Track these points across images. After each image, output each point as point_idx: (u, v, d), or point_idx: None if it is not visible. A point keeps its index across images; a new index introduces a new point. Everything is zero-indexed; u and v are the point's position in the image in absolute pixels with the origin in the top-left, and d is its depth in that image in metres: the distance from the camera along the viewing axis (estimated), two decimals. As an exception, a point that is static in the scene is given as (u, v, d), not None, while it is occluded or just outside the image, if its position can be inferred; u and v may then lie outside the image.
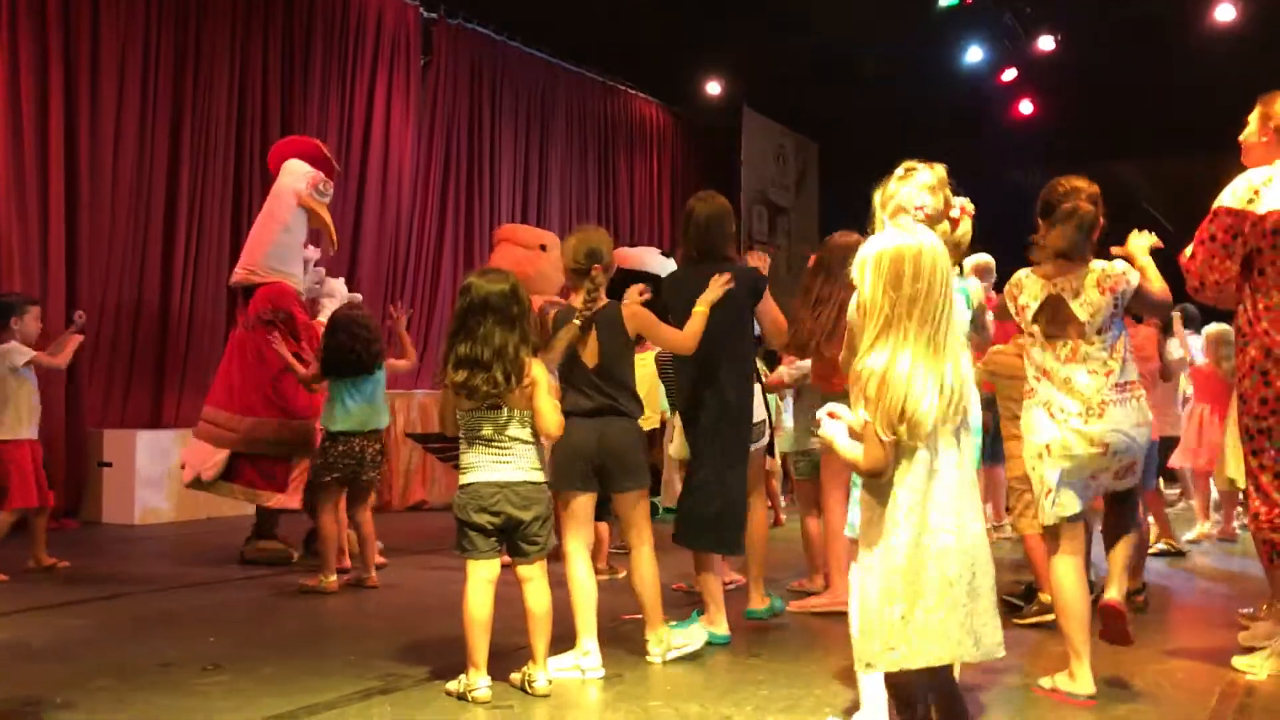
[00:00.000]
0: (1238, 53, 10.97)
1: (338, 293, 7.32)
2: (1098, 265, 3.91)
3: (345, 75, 10.56)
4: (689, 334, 4.39)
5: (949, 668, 2.73)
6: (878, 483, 2.64)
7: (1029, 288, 3.97)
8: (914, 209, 3.31)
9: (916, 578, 2.58)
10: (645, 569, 4.35)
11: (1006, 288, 4.05)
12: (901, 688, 2.72)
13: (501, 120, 12.35)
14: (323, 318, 6.58)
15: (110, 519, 8.27)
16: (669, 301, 4.76)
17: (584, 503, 4.29)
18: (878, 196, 3.41)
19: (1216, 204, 4.16)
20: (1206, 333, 7.88)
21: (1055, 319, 3.91)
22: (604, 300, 4.36)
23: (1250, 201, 4.07)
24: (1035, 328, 3.94)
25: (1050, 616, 4.79)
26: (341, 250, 10.54)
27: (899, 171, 3.42)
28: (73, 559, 6.42)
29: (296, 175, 6.94)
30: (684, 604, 5.18)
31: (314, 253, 7.28)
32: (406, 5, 11.22)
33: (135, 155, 8.79)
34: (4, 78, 7.96)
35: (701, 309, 4.38)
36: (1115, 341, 3.87)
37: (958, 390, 2.62)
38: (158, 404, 9.02)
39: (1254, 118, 4.29)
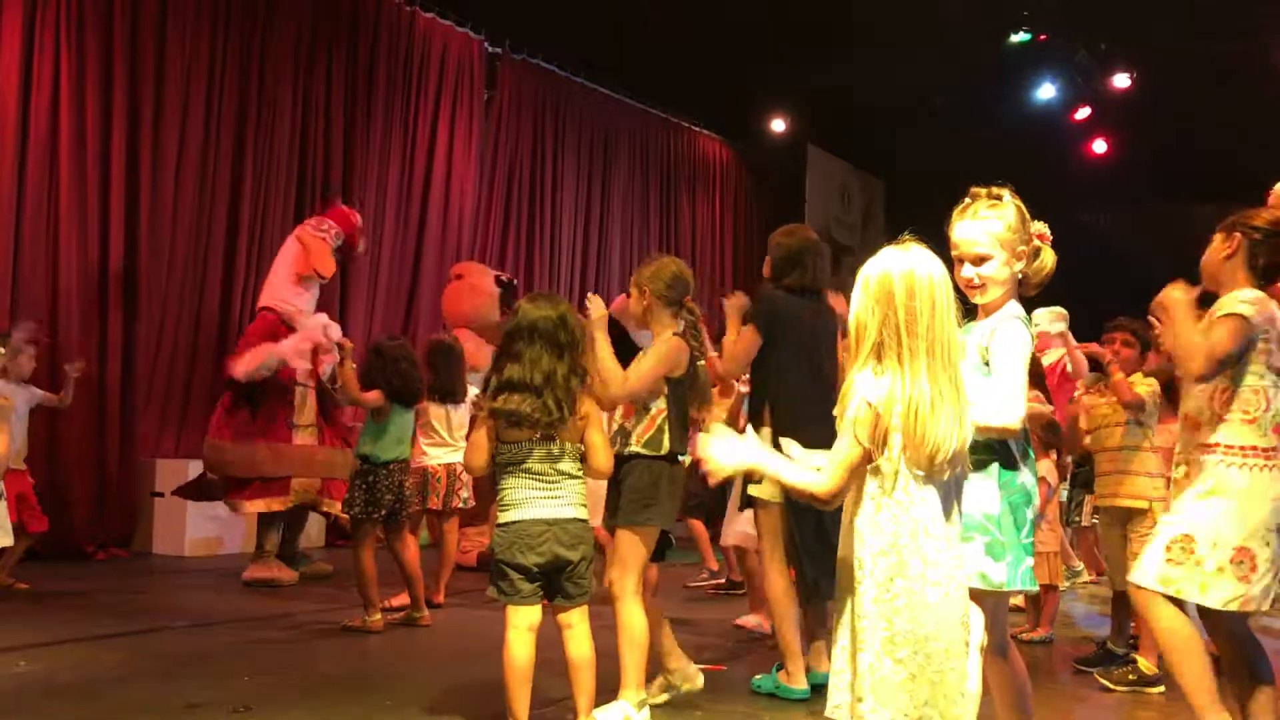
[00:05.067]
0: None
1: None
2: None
3: (409, 108, 10.54)
4: None
5: None
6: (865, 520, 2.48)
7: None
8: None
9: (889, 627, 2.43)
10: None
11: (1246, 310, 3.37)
12: None
13: (564, 155, 12.28)
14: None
15: (161, 550, 8.19)
16: (769, 328, 4.54)
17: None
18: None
19: None
20: None
21: None
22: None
23: None
24: None
25: (1154, 689, 4.57)
26: (401, 285, 10.53)
27: (959, 206, 3.04)
28: (119, 590, 6.35)
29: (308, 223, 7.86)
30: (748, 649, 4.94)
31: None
32: (471, 40, 11.20)
33: (196, 187, 8.79)
34: (70, 108, 7.97)
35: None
36: None
37: (962, 429, 2.47)
38: (212, 435, 8.95)
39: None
